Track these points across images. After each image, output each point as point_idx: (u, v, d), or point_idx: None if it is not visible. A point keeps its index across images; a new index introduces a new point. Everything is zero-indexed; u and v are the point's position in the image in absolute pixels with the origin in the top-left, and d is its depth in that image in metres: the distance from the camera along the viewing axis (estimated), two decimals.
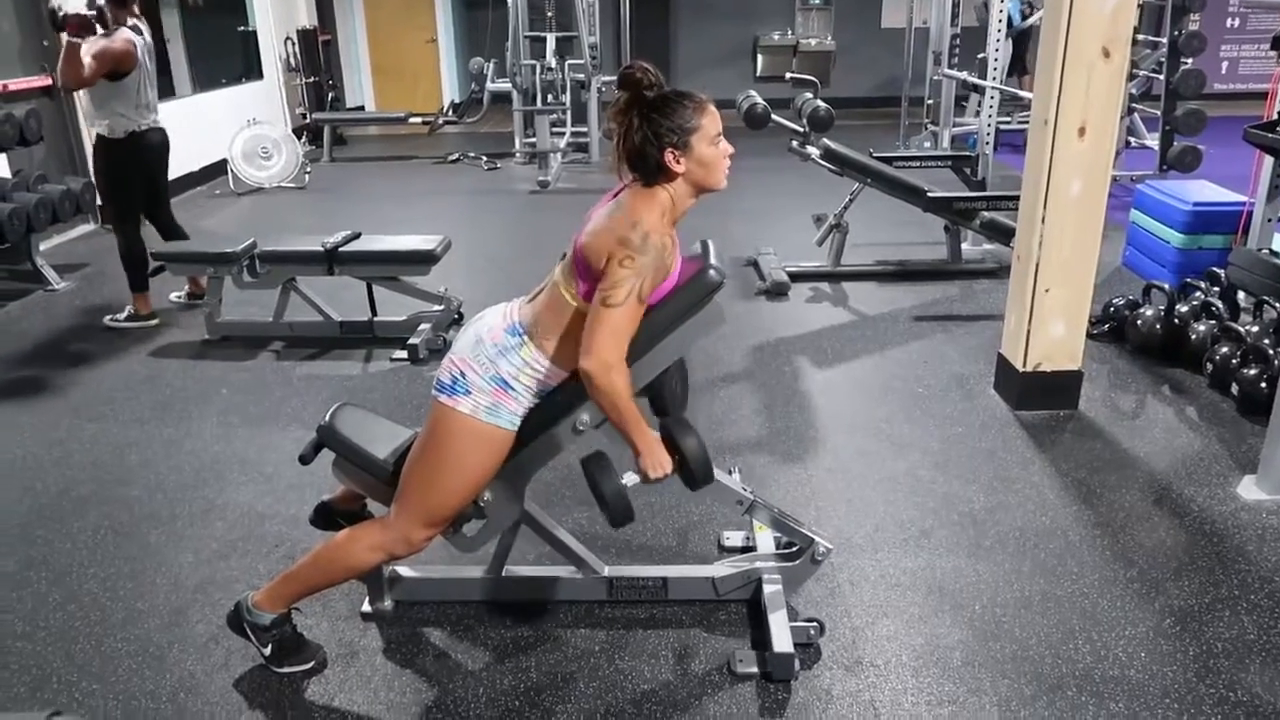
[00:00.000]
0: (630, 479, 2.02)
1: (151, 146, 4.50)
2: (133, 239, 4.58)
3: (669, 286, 1.99)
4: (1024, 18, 8.38)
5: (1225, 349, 3.58)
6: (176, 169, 7.40)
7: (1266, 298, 3.79)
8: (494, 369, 1.99)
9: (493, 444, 2.02)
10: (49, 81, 5.85)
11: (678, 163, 1.92)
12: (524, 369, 1.99)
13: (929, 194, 4.81)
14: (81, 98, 4.37)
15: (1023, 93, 4.90)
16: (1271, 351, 3.41)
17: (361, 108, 11.86)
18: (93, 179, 4.90)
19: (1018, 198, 3.54)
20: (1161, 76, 6.81)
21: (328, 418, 2.25)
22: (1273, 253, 4.15)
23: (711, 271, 2.02)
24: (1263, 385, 3.33)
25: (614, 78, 8.64)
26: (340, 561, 2.15)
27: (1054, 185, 3.20)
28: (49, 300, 5.07)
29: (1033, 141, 3.31)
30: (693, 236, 2.12)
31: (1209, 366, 3.61)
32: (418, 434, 2.15)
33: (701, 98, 1.95)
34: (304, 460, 2.25)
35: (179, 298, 4.90)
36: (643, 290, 1.87)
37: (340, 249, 4.21)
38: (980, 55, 6.82)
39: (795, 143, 5.02)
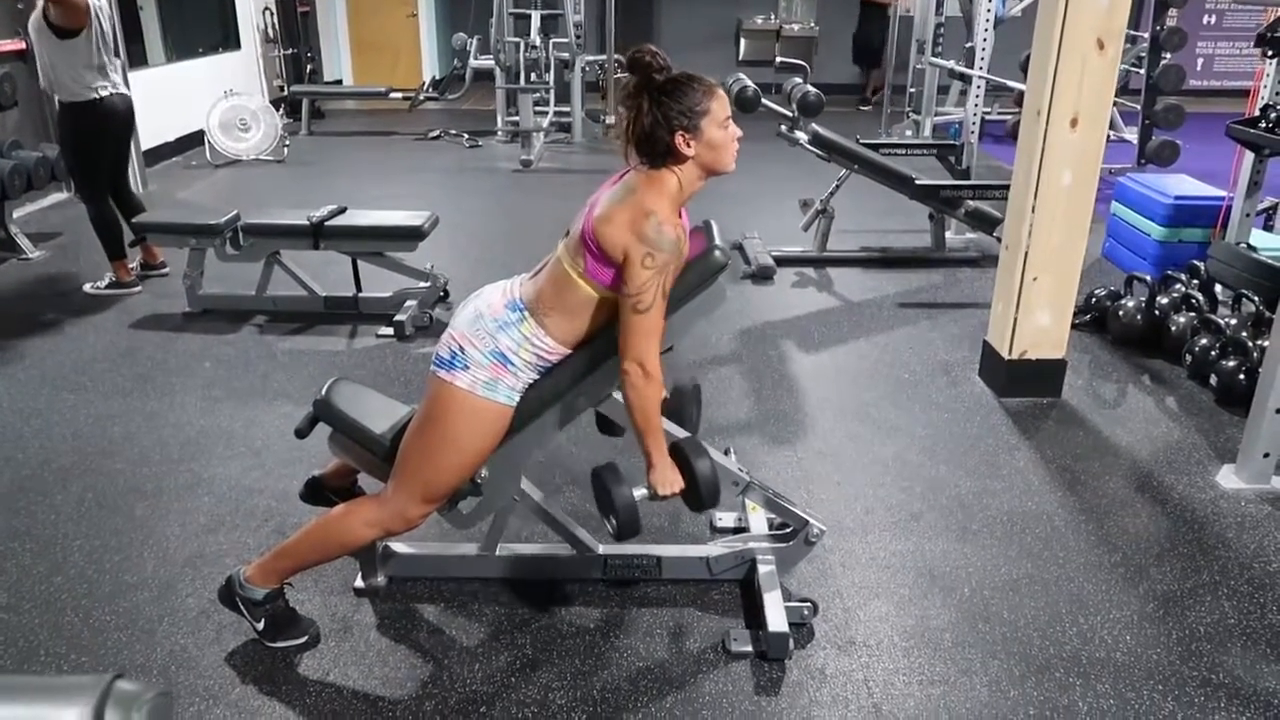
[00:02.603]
0: (639, 493, 2.01)
1: (116, 113, 4.39)
2: (102, 206, 4.50)
3: None
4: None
5: (1204, 341, 3.63)
6: (151, 139, 7.33)
7: (1245, 291, 3.85)
8: (493, 344, 1.98)
9: (490, 419, 2.01)
10: (23, 45, 5.71)
11: (688, 146, 1.92)
12: (523, 344, 1.98)
13: (917, 181, 4.84)
14: (40, 66, 4.28)
15: (1013, 84, 4.93)
16: (1250, 344, 3.48)
17: (340, 81, 11.69)
18: (59, 147, 4.76)
19: (1006, 187, 3.57)
20: (1141, 71, 6.89)
21: (324, 392, 2.22)
22: (1250, 247, 4.22)
23: (717, 252, 2.03)
24: (1240, 377, 3.39)
25: (597, 58, 8.55)
26: (335, 537, 2.14)
27: (1045, 175, 3.23)
28: (23, 269, 4.97)
29: (1025, 131, 3.33)
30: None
31: (1188, 358, 3.67)
32: (415, 410, 2.13)
33: (710, 81, 1.95)
34: (300, 434, 2.23)
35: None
36: (665, 286, 1.91)
37: (326, 223, 4.16)
38: (968, 44, 6.86)
39: (784, 127, 5.02)
